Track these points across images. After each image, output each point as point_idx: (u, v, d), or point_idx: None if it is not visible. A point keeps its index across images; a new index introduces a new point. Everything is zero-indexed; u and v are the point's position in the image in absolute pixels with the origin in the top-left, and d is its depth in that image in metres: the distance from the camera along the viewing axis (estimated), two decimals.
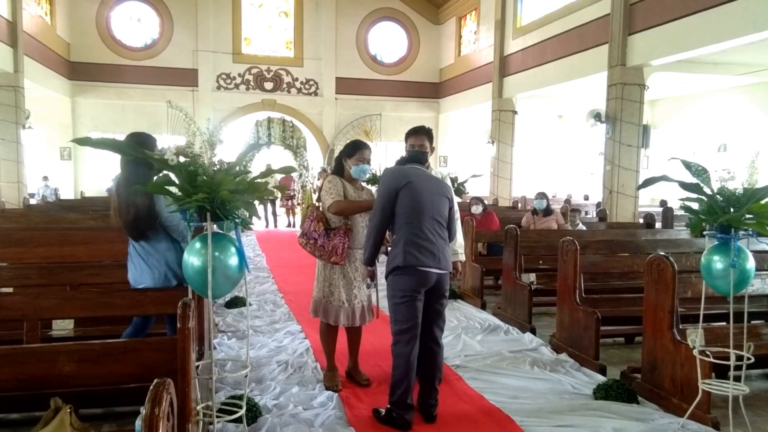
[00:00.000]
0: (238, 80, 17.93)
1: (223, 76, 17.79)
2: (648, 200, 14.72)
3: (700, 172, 3.18)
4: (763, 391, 4.14)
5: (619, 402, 3.79)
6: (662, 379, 3.84)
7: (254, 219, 2.66)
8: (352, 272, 3.83)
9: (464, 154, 18.05)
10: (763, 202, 3.03)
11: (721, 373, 3.70)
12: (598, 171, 12.06)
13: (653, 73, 10.13)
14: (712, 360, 3.37)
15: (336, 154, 16.72)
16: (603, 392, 3.90)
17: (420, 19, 19.14)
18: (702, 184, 3.15)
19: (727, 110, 13.68)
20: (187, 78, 17.32)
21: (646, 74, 10.05)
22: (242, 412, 2.59)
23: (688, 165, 3.18)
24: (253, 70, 18.04)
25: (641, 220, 8.49)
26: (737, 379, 3.32)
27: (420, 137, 4.10)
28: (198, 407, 2.44)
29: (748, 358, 3.27)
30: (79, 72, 16.54)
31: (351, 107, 18.53)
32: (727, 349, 3.34)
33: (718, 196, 3.12)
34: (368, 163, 3.83)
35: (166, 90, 16.81)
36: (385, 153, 17.77)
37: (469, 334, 5.36)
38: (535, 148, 17.82)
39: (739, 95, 13.23)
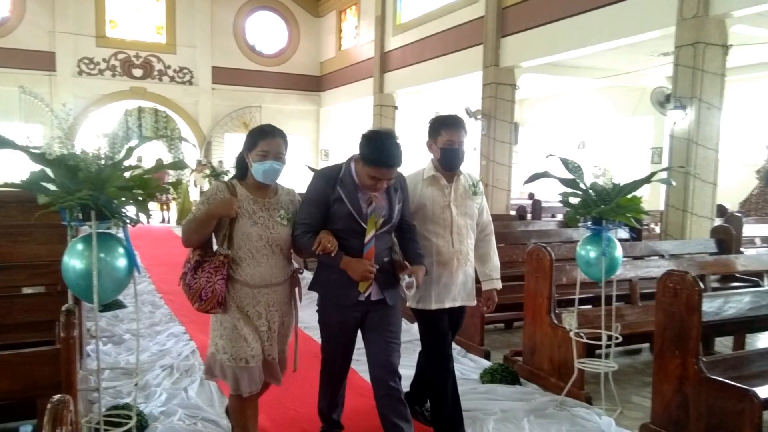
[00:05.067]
0: (103, 66, 16.66)
1: (86, 61, 16.43)
2: (517, 193, 15.71)
3: (576, 168, 3.45)
4: (626, 367, 4.58)
5: (504, 384, 4.02)
6: (542, 361, 4.13)
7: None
8: (250, 320, 2.62)
9: (346, 148, 18.12)
10: (629, 196, 3.35)
11: (589, 352, 4.05)
12: (474, 166, 12.66)
13: (523, 74, 10.80)
14: (585, 341, 3.68)
15: (213, 146, 15.90)
16: (489, 376, 4.11)
17: (299, 10, 18.91)
18: (577, 180, 3.42)
19: (586, 110, 14.94)
20: (43, 61, 15.77)
21: (517, 75, 10.70)
22: (132, 423, 2.41)
23: (565, 162, 3.43)
24: (120, 56, 16.85)
25: (514, 212, 9.03)
26: (607, 357, 3.65)
27: (458, 131, 3.04)
28: (82, 421, 2.24)
29: (617, 338, 3.60)
30: None
31: (229, 98, 17.91)
32: (598, 330, 3.66)
33: (591, 191, 3.41)
34: (278, 158, 2.59)
35: (19, 74, 15.18)
36: None
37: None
38: (415, 144, 18.33)
39: (597, 97, 14.48)
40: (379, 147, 2.57)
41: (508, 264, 5.93)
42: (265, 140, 2.59)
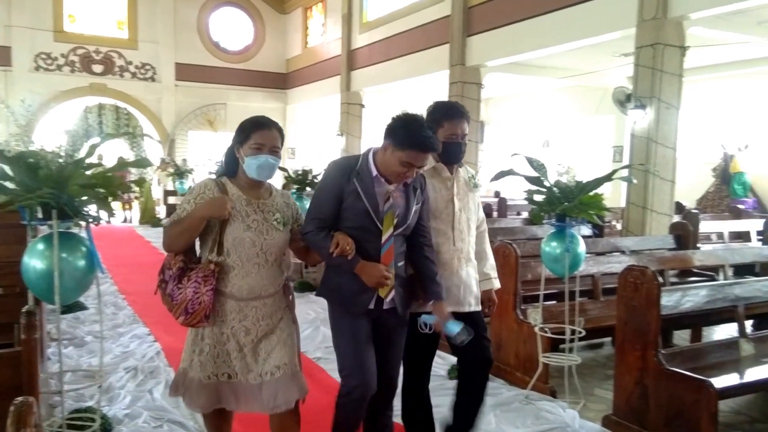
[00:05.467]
0: (61, 61, 16.22)
1: (43, 56, 15.97)
2: (483, 191, 15.89)
3: (540, 167, 3.51)
4: (589, 360, 4.69)
5: None
6: (507, 356, 4.19)
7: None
8: (236, 336, 2.31)
9: (313, 147, 18.05)
10: (591, 194, 3.43)
11: (553, 346, 4.13)
12: None
13: (488, 73, 10.92)
14: (550, 336, 3.76)
15: (176, 144, 15.52)
16: (456, 372, 4.14)
17: (265, 7, 18.73)
18: (542, 178, 3.48)
19: (550, 110, 15.20)
20: None
21: (483, 74, 10.82)
22: (96, 426, 2.37)
23: (530, 160, 3.49)
24: (79, 51, 16.43)
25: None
26: (571, 351, 3.73)
27: (461, 122, 2.76)
28: (44, 425, 2.19)
29: (580, 332, 3.69)
30: None
31: (193, 95, 17.63)
32: (562, 325, 3.74)
33: (555, 189, 3.48)
34: (273, 152, 2.31)
35: None
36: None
37: (326, 326, 5.39)
38: (382, 142, 18.35)
39: (561, 96, 14.74)
40: (416, 129, 2.32)
41: None
42: (260, 131, 2.29)
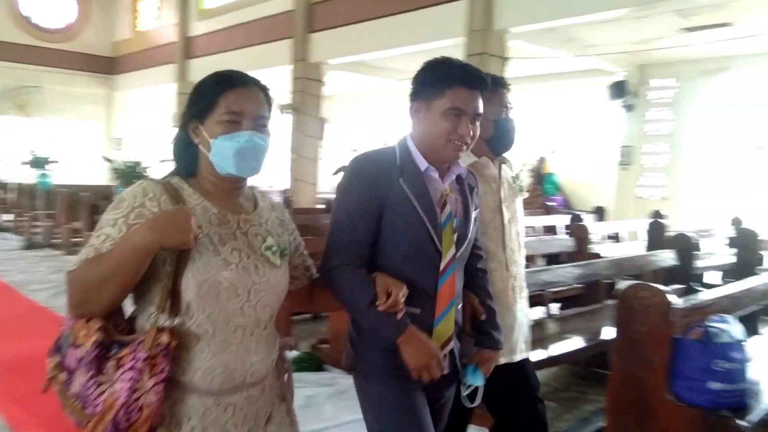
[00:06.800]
0: None
1: None
2: (322, 187, 16.06)
3: None
4: None
5: (310, 372, 4.13)
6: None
7: None
8: None
9: (143, 138, 16.87)
10: None
11: None
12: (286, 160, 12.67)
13: (330, 71, 11.08)
14: None
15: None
16: (296, 365, 4.19)
17: None
18: None
19: (389, 109, 15.79)
20: None
21: (324, 71, 10.94)
22: None
23: None
24: None
25: (321, 206, 9.25)
26: None
27: (501, 91, 2.23)
28: None
29: None
30: None
31: None
32: None
33: None
34: (258, 128, 1.35)
35: None
36: (48, 132, 15.45)
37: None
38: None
39: (397, 97, 15.36)
40: (453, 62, 1.62)
41: (314, 255, 6.09)
42: (232, 92, 1.34)
